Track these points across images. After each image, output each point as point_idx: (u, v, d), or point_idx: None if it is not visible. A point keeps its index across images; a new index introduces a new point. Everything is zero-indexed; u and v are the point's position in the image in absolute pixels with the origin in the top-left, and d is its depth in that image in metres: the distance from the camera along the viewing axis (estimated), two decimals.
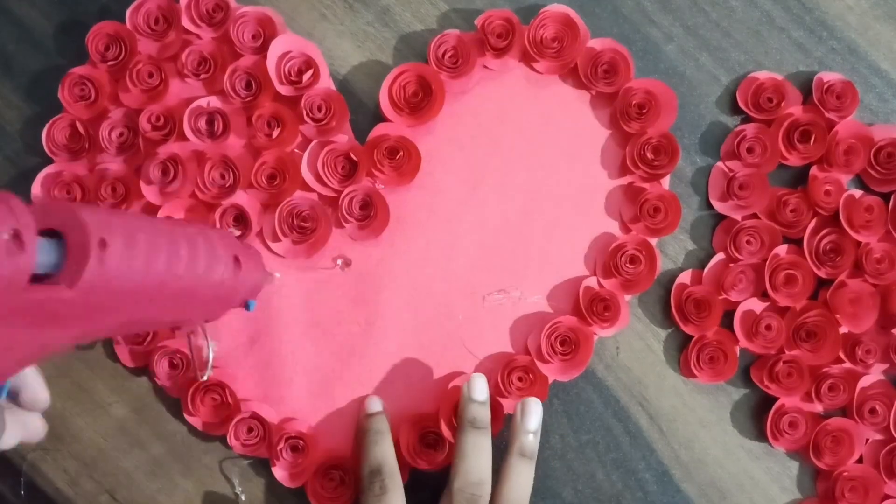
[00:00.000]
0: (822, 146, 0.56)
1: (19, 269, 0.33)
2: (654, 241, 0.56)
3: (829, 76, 0.57)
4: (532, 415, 0.53)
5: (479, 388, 0.53)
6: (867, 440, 0.56)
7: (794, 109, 0.57)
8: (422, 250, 0.57)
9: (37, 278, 0.35)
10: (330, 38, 0.58)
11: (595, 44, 0.57)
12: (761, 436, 0.57)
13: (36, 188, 0.56)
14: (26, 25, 0.59)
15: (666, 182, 0.57)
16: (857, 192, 0.57)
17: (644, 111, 0.56)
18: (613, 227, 0.57)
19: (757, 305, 0.57)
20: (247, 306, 0.48)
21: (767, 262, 0.56)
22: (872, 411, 0.56)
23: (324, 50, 0.58)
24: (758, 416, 0.57)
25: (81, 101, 0.56)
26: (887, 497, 0.56)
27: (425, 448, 0.55)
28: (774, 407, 0.56)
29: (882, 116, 0.58)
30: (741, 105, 0.57)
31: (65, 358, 0.57)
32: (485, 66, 0.57)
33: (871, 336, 0.56)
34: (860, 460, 0.56)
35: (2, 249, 0.32)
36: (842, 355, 0.56)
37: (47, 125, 0.56)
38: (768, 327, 0.56)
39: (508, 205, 0.57)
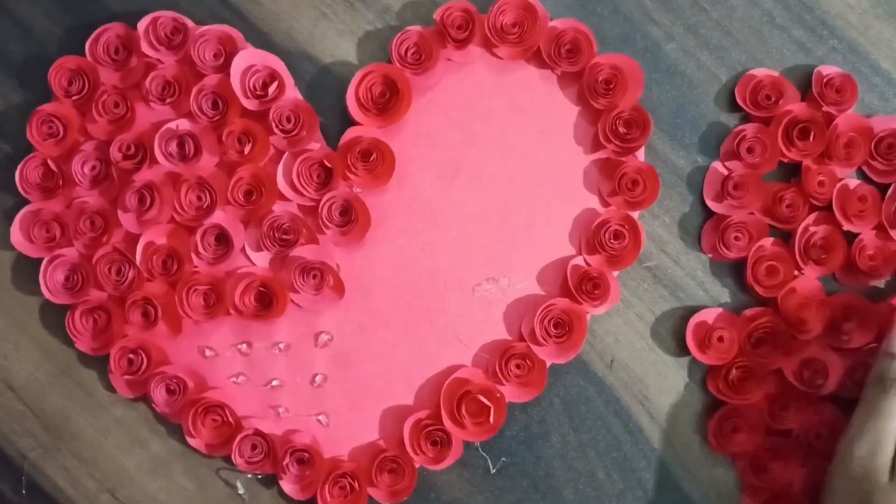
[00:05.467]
0: (822, 143, 0.56)
1: None
2: (635, 215, 0.56)
3: (828, 70, 0.57)
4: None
5: None
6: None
7: (794, 106, 0.56)
8: (406, 249, 0.57)
9: None
10: (330, 36, 0.58)
11: (557, 23, 0.57)
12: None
13: (15, 228, 0.56)
14: None
15: (641, 154, 0.57)
16: (854, 182, 0.56)
17: (611, 86, 0.56)
18: (594, 203, 0.57)
19: (709, 316, 0.56)
20: None
21: (751, 254, 0.56)
22: (818, 436, 0.55)
23: (324, 49, 0.58)
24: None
25: (50, 139, 0.56)
26: None
27: (432, 446, 0.55)
28: (719, 412, 0.55)
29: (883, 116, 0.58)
30: (739, 102, 0.57)
31: (65, 358, 0.57)
32: (448, 59, 0.57)
33: (820, 354, 0.55)
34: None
35: None
36: (791, 379, 0.55)
37: (19, 166, 0.56)
38: (720, 339, 0.55)
39: (487, 194, 0.57)
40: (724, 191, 0.56)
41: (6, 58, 0.58)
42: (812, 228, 0.56)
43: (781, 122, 0.56)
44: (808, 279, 0.56)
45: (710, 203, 0.57)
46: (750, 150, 0.56)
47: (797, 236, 0.56)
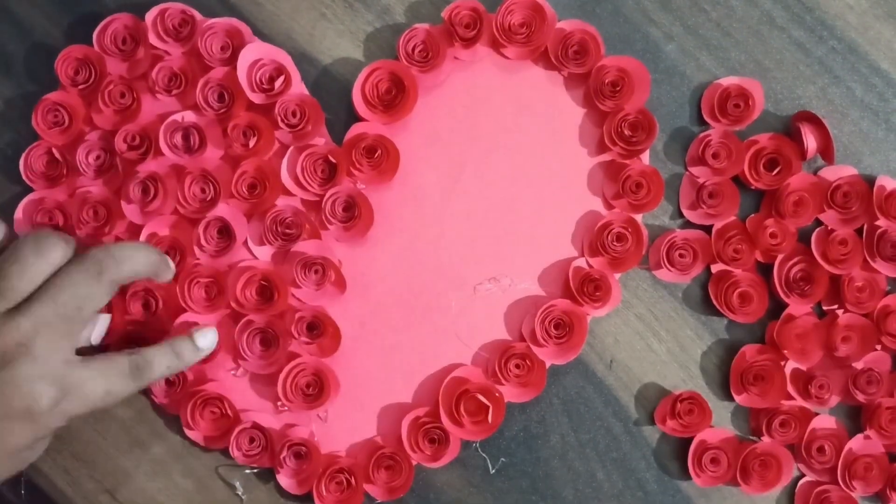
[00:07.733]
0: (738, 163, 0.56)
1: None
2: (639, 218, 0.56)
3: (727, 81, 0.57)
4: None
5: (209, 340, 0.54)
6: (803, 476, 0.56)
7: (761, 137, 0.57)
8: (408, 246, 0.57)
9: None
10: (330, 37, 0.58)
11: (564, 25, 0.57)
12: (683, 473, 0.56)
13: (18, 216, 0.56)
14: None
15: (646, 157, 0.57)
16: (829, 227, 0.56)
17: (618, 89, 0.56)
18: (598, 205, 0.57)
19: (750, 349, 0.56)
20: None
21: (722, 281, 0.56)
22: (820, 450, 0.55)
23: (323, 49, 0.58)
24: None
25: (56, 128, 0.56)
26: None
27: (430, 444, 0.55)
28: (694, 443, 0.55)
29: (882, 116, 0.58)
30: (705, 115, 0.57)
31: None
32: (455, 58, 0.57)
33: (822, 371, 0.55)
34: (792, 498, 0.56)
35: None
36: (794, 393, 0.55)
37: (24, 154, 0.56)
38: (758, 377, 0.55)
39: (491, 193, 0.57)
40: (699, 199, 0.56)
41: (5, 57, 0.58)
42: (791, 262, 0.56)
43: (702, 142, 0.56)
44: (800, 307, 0.56)
45: (685, 212, 0.57)
46: (716, 156, 0.56)
47: (776, 268, 0.56)
